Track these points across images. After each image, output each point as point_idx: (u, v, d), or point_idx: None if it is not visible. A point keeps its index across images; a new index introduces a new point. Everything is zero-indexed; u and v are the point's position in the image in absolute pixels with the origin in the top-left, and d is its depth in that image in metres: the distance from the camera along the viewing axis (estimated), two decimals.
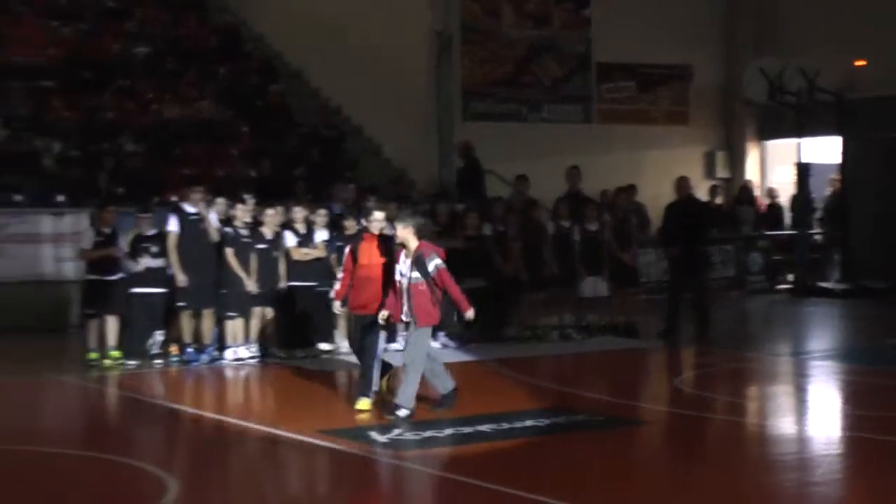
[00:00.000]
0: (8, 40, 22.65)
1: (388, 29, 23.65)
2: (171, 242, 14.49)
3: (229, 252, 14.70)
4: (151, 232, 14.64)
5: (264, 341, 14.97)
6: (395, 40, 23.53)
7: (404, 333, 14.89)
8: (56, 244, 18.01)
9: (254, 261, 14.76)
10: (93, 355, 14.31)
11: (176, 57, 23.82)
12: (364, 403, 11.23)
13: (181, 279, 14.40)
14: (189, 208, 14.77)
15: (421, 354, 10.90)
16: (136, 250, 14.44)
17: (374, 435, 10.13)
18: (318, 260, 15.18)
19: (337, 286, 11.81)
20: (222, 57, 24.43)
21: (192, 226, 14.59)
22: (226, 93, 23.31)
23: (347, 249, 11.70)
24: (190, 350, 14.55)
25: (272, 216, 15.14)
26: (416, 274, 10.80)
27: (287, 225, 15.25)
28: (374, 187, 19.25)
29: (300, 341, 15.10)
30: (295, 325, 15.14)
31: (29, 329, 17.01)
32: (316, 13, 24.74)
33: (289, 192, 18.35)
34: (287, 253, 15.08)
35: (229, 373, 14.25)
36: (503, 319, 16.70)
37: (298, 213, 15.39)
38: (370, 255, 11.32)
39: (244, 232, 14.91)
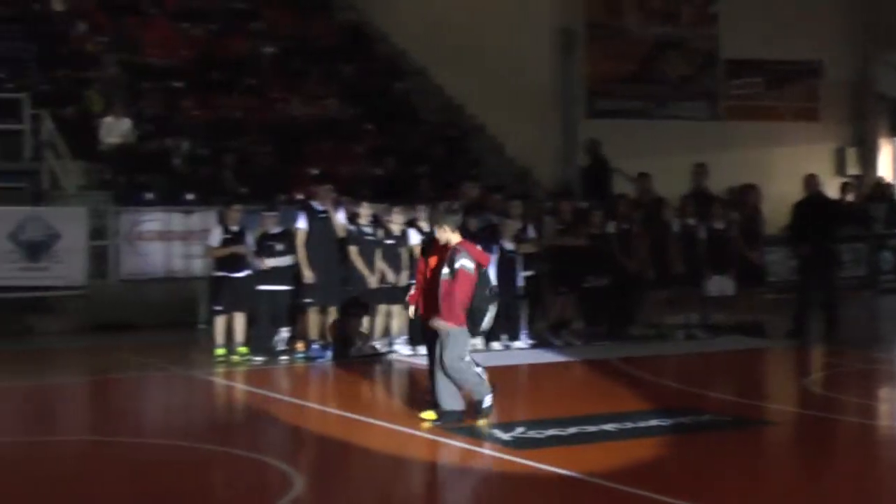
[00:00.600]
0: (141, 42, 23.19)
1: (512, 26, 23.62)
2: (300, 239, 14.65)
3: (353, 250, 14.82)
4: (277, 230, 14.82)
5: (391, 338, 15.05)
6: (519, 38, 23.48)
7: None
8: (185, 241, 18.38)
9: (378, 258, 14.86)
10: (220, 351, 14.54)
11: (302, 56, 24.11)
12: (429, 414, 10.57)
13: (308, 276, 14.55)
14: (317, 206, 14.90)
15: (458, 356, 10.31)
16: (262, 248, 14.63)
17: (497, 433, 10.10)
18: None
19: (412, 290, 11.17)
20: (348, 56, 24.65)
21: (320, 223, 14.72)
22: (351, 91, 23.51)
23: (419, 253, 11.36)
24: (315, 346, 14.69)
25: (397, 214, 15.23)
26: (446, 270, 10.37)
27: (412, 223, 15.31)
28: (498, 186, 19.22)
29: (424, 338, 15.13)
30: (419, 322, 15.18)
31: (159, 325, 17.41)
32: (440, 12, 24.81)
33: (412, 190, 18.42)
34: (411, 251, 15.14)
35: (352, 369, 14.35)
36: (627, 318, 16.55)
37: (422, 211, 15.44)
38: (436, 261, 10.68)
39: (368, 230, 15.02)
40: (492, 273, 14.97)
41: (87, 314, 17.62)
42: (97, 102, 20.83)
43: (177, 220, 18.47)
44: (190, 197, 19.16)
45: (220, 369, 14.10)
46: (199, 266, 17.67)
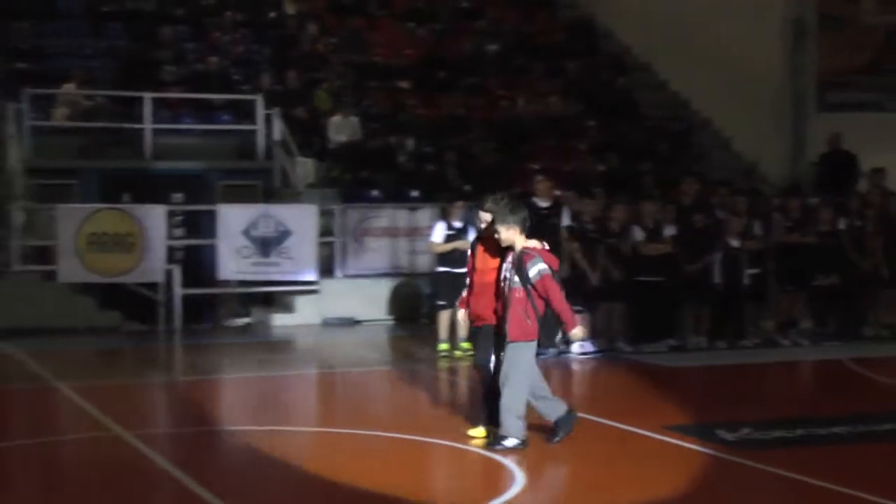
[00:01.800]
0: (368, 43, 23.68)
1: (738, 19, 23.12)
2: None
3: (575, 247, 14.77)
4: None
5: (611, 336, 14.95)
6: (746, 31, 22.98)
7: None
8: (410, 238, 18.68)
9: (601, 255, 14.77)
10: (443, 346, 14.72)
11: (525, 53, 24.17)
12: (478, 431, 9.75)
13: None
14: (540, 202, 14.91)
15: (519, 375, 9.28)
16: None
17: (722, 433, 9.88)
18: (668, 255, 15.03)
19: (464, 293, 10.06)
20: (571, 52, 24.59)
21: (542, 220, 14.72)
22: (574, 88, 23.45)
23: (469, 252, 10.12)
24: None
25: (621, 211, 15.10)
26: (517, 278, 9.28)
27: (635, 220, 15.16)
28: (724, 181, 18.83)
29: (647, 336, 14.98)
30: (642, 319, 15.05)
31: (386, 319, 17.78)
32: (665, 6, 24.48)
33: (636, 187, 18.22)
34: (635, 248, 14.99)
35: (575, 366, 14.31)
36: (859, 318, 15.99)
37: (647, 207, 15.27)
38: (486, 259, 9.71)
39: (591, 227, 14.94)
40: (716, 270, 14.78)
41: (315, 309, 18.10)
42: (325, 102, 21.37)
43: (402, 217, 18.79)
44: (414, 194, 19.48)
45: (443, 364, 14.27)
46: (423, 262, 17.93)
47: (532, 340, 9.29)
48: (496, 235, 9.39)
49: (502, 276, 9.40)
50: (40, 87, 19.60)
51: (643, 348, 14.80)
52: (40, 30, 21.72)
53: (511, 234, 9.31)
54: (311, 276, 18.03)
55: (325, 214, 18.56)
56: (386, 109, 21.81)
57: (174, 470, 8.75)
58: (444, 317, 14.82)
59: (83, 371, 14.74)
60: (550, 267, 9.29)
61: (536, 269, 9.19)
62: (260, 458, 9.34)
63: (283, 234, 17.95)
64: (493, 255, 9.58)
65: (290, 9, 24.14)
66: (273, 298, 18.43)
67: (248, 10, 23.70)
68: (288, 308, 18.20)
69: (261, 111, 20.08)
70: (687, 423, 10.30)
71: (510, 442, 9.20)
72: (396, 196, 19.49)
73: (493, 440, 9.33)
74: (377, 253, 18.66)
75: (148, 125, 19.43)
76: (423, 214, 18.47)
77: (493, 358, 9.55)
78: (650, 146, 22.05)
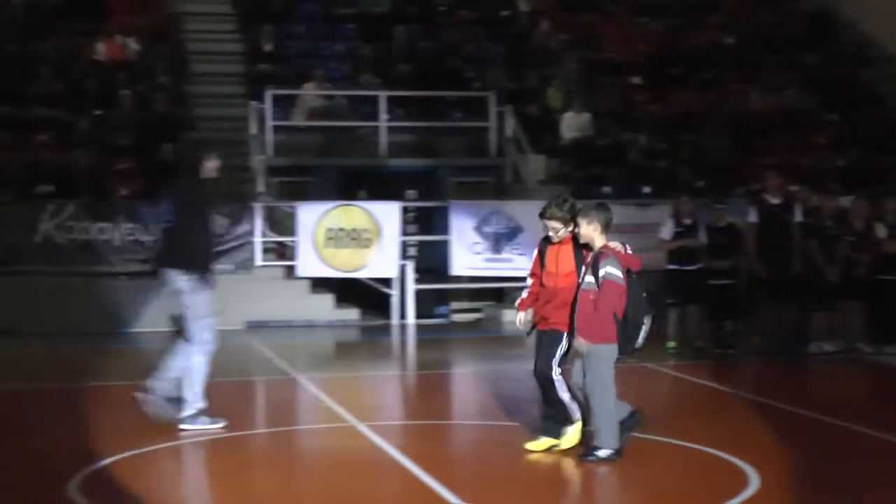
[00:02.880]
0: (601, 38, 23.58)
1: None
2: (752, 233, 14.39)
3: (812, 244, 14.36)
4: (721, 224, 14.64)
5: (851, 336, 14.47)
6: None
7: None
8: (641, 234, 18.46)
9: (838, 252, 14.32)
10: (672, 344, 14.56)
11: (761, 46, 23.61)
12: (537, 444, 9.13)
13: (759, 270, 14.27)
14: (771, 199, 14.55)
15: (602, 380, 8.73)
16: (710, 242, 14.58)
17: None
18: None
19: (524, 294, 9.38)
20: (810, 44, 23.89)
21: (772, 217, 14.37)
22: (812, 80, 22.77)
23: (535, 251, 9.38)
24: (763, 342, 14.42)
25: (862, 207, 14.61)
26: (589, 279, 8.75)
27: (877, 216, 14.63)
28: None
29: (890, 336, 14.42)
30: (884, 319, 14.49)
31: None
32: None
33: (878, 182, 17.56)
34: (877, 245, 14.46)
35: (812, 366, 13.91)
36: None
37: (891, 204, 14.70)
38: (558, 261, 9.06)
39: (829, 223, 14.50)
40: None
41: None
42: (557, 98, 21.39)
43: (632, 214, 18.61)
44: (646, 190, 19.28)
45: (673, 362, 14.10)
46: (651, 260, 17.70)
47: (609, 343, 8.72)
48: (576, 230, 8.86)
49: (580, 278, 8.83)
50: (281, 88, 20.30)
51: (885, 349, 14.25)
52: (282, 32, 22.48)
53: (590, 231, 8.78)
54: None
55: None
56: (617, 105, 21.67)
57: (403, 459, 8.91)
58: (673, 314, 14.67)
59: (320, 363, 15.23)
60: (629, 269, 8.74)
61: (605, 269, 8.65)
62: (490, 452, 9.42)
63: (515, 231, 18.06)
64: (567, 258, 8.99)
65: (522, 6, 24.26)
66: (504, 294, 18.56)
67: (480, 9, 23.93)
68: (512, 304, 18.26)
69: (493, 108, 20.23)
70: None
71: (603, 453, 8.71)
72: (627, 192, 19.35)
73: (587, 452, 8.79)
74: None
75: (382, 123, 19.85)
76: (653, 211, 18.25)
77: (575, 368, 8.92)
78: (894, 139, 21.18)
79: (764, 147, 20.81)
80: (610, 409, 8.73)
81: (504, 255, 18.05)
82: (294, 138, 20.28)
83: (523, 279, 18.23)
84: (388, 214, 17.88)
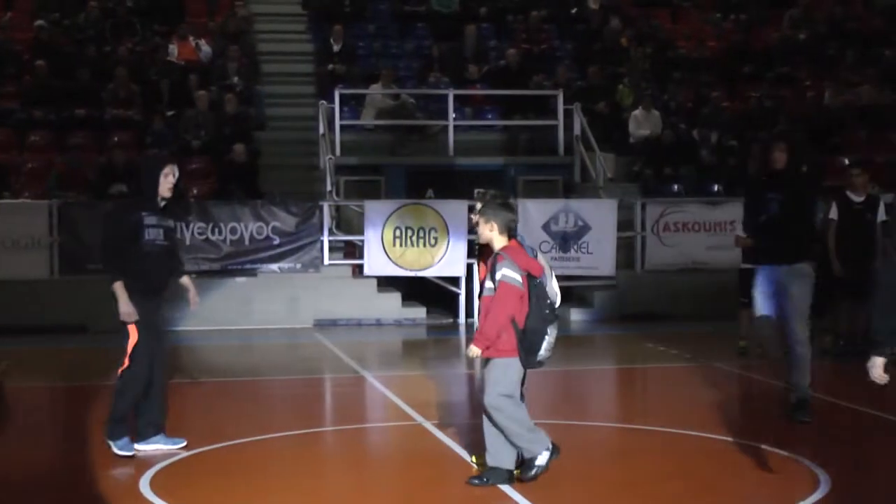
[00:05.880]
0: (673, 34, 23.39)
1: None
2: (830, 230, 14.17)
3: (890, 242, 14.06)
4: None
5: None
6: None
7: None
8: (712, 233, 18.31)
9: None
10: (744, 343, 14.38)
11: (837, 41, 23.28)
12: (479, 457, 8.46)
13: (837, 269, 14.05)
14: (853, 196, 14.30)
15: (498, 394, 7.94)
16: None
17: None
18: None
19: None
20: (888, 38, 23.51)
21: (853, 215, 14.11)
22: (890, 75, 22.40)
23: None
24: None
25: None
26: (489, 284, 7.97)
27: None
28: None
29: None
30: None
31: (687, 316, 17.51)
32: None
33: None
34: None
35: (886, 369, 13.62)
36: None
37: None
38: (483, 272, 8.21)
39: None
40: None
41: (614, 304, 18.03)
42: (627, 96, 21.24)
43: (703, 212, 18.44)
44: (717, 188, 19.08)
45: (743, 361, 13.93)
46: (726, 258, 17.51)
47: (507, 357, 7.91)
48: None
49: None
50: (350, 87, 20.37)
51: None
52: (351, 32, 22.57)
53: (486, 232, 7.99)
54: (609, 270, 17.96)
55: (625, 209, 18.44)
56: (688, 102, 21.48)
57: (468, 458, 8.88)
58: (745, 313, 14.46)
59: (388, 362, 15.27)
60: (530, 274, 7.90)
61: (501, 272, 7.85)
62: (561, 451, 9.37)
63: (583, 229, 17.95)
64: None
65: (592, 3, 24.13)
66: (571, 293, 18.47)
67: (550, 6, 23.84)
68: (586, 302, 18.20)
69: (561, 106, 20.15)
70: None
71: (542, 458, 8.03)
72: (698, 190, 19.15)
73: (524, 471, 8.09)
74: (676, 248, 18.39)
75: (451, 122, 19.85)
76: (725, 209, 18.06)
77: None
78: None
79: (838, 143, 20.51)
80: (512, 423, 7.96)
81: (572, 254, 17.95)
82: (363, 137, 20.36)
83: (591, 278, 18.27)
84: (455, 213, 17.86)
